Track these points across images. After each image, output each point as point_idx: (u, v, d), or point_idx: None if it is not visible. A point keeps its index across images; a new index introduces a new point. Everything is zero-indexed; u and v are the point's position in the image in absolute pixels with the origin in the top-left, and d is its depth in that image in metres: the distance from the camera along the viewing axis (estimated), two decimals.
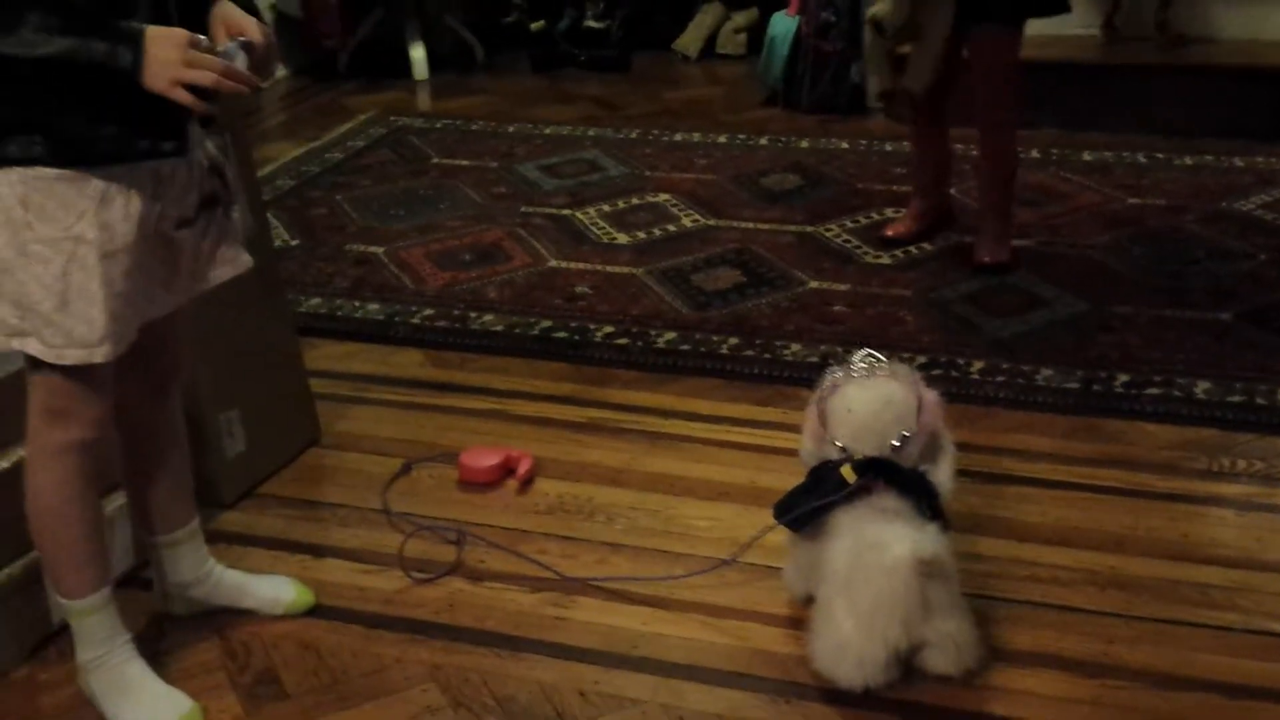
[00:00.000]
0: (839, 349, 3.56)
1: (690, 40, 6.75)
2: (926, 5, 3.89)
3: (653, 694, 2.42)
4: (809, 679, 2.41)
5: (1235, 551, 2.76)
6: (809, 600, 2.49)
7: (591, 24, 6.71)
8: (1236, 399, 3.30)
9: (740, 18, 6.70)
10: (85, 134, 2.05)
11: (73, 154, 2.05)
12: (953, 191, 4.43)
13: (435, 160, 5.35)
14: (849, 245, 4.33)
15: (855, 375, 2.50)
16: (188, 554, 2.58)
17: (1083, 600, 2.62)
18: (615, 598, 2.68)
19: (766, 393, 3.44)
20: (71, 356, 2.12)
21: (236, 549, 2.85)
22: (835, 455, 2.45)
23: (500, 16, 7.00)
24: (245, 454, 3.05)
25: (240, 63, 2.05)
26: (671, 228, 4.54)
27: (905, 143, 4.70)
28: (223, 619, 2.63)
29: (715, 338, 3.73)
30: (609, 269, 4.23)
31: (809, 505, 2.44)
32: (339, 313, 3.99)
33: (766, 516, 2.56)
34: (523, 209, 4.77)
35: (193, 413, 2.72)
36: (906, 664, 2.36)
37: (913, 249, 4.26)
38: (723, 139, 5.45)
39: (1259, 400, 3.29)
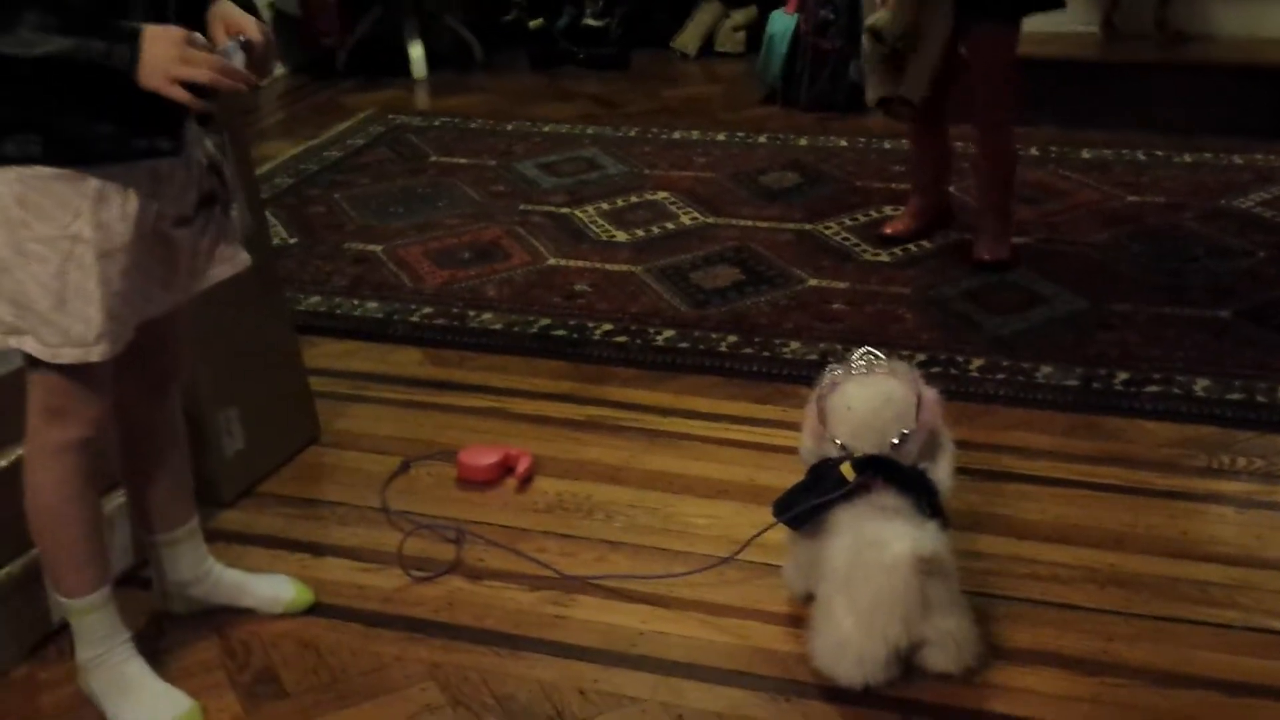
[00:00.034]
0: (838, 347, 3.56)
1: (689, 38, 6.75)
2: (926, 14, 3.89)
3: (652, 692, 2.42)
4: (809, 677, 2.41)
5: (1235, 549, 2.76)
6: (809, 598, 2.49)
7: (590, 22, 6.70)
8: (1236, 396, 3.30)
9: (739, 15, 6.70)
10: (82, 133, 2.05)
11: (70, 153, 2.05)
12: (952, 189, 4.43)
13: (434, 158, 5.34)
14: (848, 243, 4.33)
15: (854, 373, 2.50)
16: (187, 553, 2.58)
17: (1082, 598, 2.62)
18: (614, 596, 2.68)
19: (765, 390, 3.44)
20: (68, 355, 2.12)
21: (235, 548, 2.85)
22: (835, 453, 2.45)
23: (499, 15, 6.99)
24: (244, 452, 3.05)
25: (238, 61, 2.05)
26: (670, 226, 4.54)
27: (904, 140, 4.70)
28: (222, 618, 2.63)
29: (714, 335, 3.73)
30: (608, 267, 4.23)
31: (808, 503, 2.44)
32: (338, 311, 3.99)
33: (766, 514, 2.56)
34: (521, 207, 4.76)
35: (192, 411, 2.72)
36: (906, 662, 2.36)
37: (912, 247, 4.26)
38: (721, 137, 5.45)
39: (1258, 398, 3.29)
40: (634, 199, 4.79)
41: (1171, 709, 2.33)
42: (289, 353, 3.25)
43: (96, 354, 2.12)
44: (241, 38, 2.08)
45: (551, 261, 4.29)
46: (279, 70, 6.55)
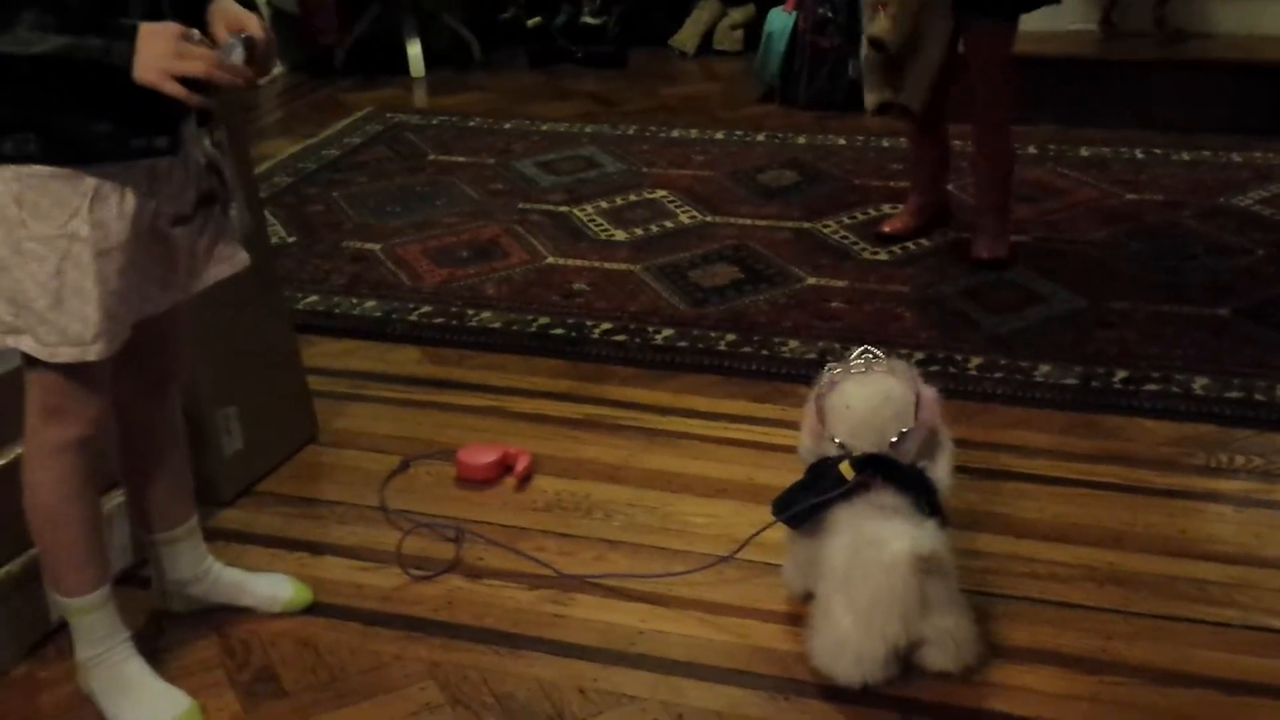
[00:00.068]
0: (837, 345, 3.57)
1: (687, 36, 6.75)
2: (926, 22, 3.87)
3: (652, 691, 2.42)
4: (808, 676, 2.41)
5: (1233, 547, 2.76)
6: (808, 597, 2.49)
7: (588, 20, 6.70)
8: (1234, 395, 3.30)
9: (737, 14, 6.70)
10: (80, 132, 2.05)
11: (67, 152, 2.05)
12: (950, 188, 4.43)
13: (432, 157, 5.34)
14: (846, 241, 4.33)
15: (853, 371, 2.50)
16: (186, 552, 2.58)
17: (1081, 596, 2.62)
18: (613, 595, 2.68)
19: (764, 389, 3.44)
20: (66, 354, 2.12)
21: (234, 546, 2.85)
22: (833, 452, 2.45)
23: (497, 13, 6.99)
24: (243, 451, 3.05)
25: (237, 57, 2.04)
26: (669, 224, 4.54)
27: (902, 139, 4.70)
28: (221, 617, 2.63)
29: (713, 334, 3.73)
30: (606, 266, 4.23)
31: (807, 502, 2.44)
32: (336, 310, 3.99)
33: (765, 513, 2.56)
34: (520, 206, 4.76)
35: (191, 410, 2.72)
36: (905, 660, 2.36)
37: (910, 245, 4.26)
38: (720, 135, 5.45)
39: (1257, 396, 3.29)
40: (632, 197, 4.79)
41: (1170, 707, 2.34)
42: (288, 352, 3.25)
43: (94, 353, 2.12)
44: (245, 35, 2.07)
45: (550, 260, 4.29)
46: (277, 69, 6.54)
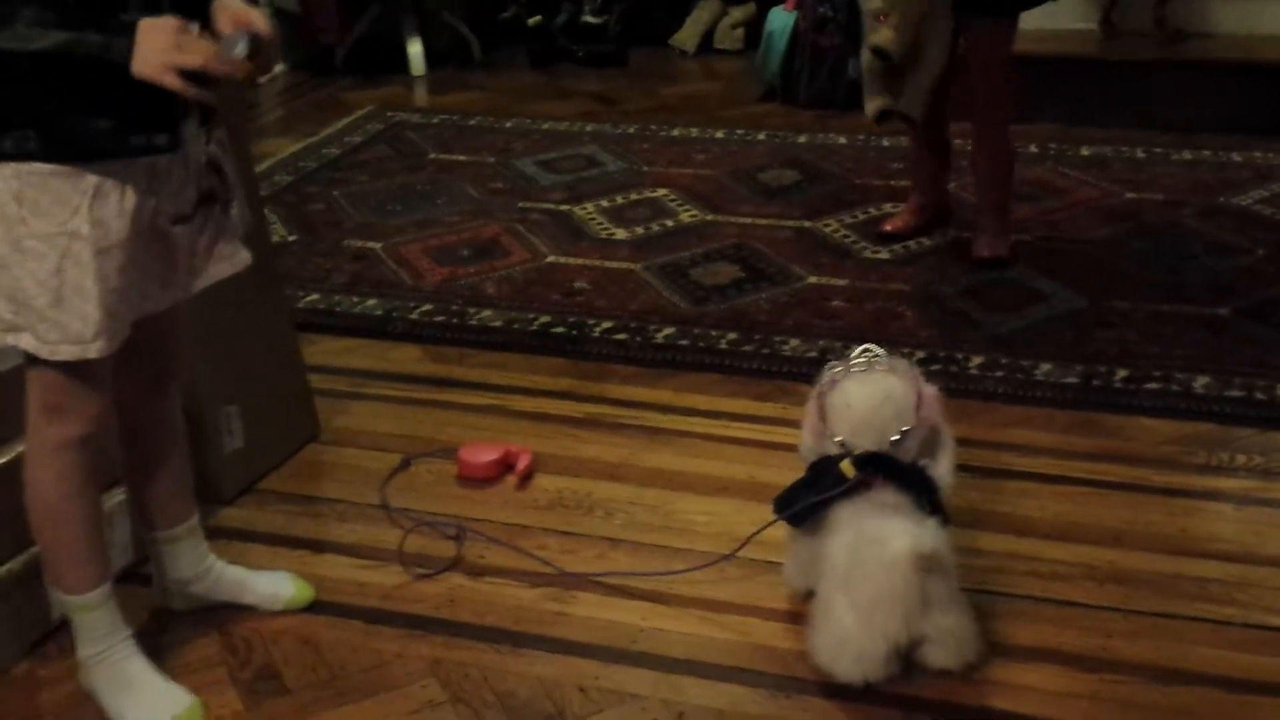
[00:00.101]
0: (838, 344, 3.56)
1: (688, 35, 6.75)
2: (927, 31, 3.87)
3: (653, 689, 2.42)
4: (809, 674, 2.42)
5: (1234, 546, 2.77)
6: (809, 595, 2.49)
7: (589, 19, 6.70)
8: (1235, 394, 3.30)
9: (738, 13, 6.70)
10: (79, 130, 2.04)
11: (66, 149, 2.05)
12: (951, 187, 4.43)
13: (432, 156, 5.34)
14: (847, 240, 4.33)
15: (854, 370, 2.50)
16: (187, 550, 2.58)
17: (1082, 595, 2.63)
18: (615, 593, 2.68)
19: (765, 388, 3.44)
20: (66, 352, 2.12)
21: (236, 545, 2.85)
22: (834, 450, 2.45)
23: (497, 12, 6.99)
24: (244, 450, 3.05)
25: (240, 51, 2.03)
26: (670, 223, 4.54)
27: (903, 138, 4.69)
28: (223, 615, 2.63)
29: (714, 333, 3.73)
30: (607, 264, 4.23)
31: (808, 500, 2.44)
32: (337, 308, 3.99)
33: (766, 511, 2.56)
34: (520, 204, 4.76)
35: (192, 409, 2.72)
36: (906, 659, 2.36)
37: (911, 244, 4.26)
38: (720, 134, 5.45)
39: (1257, 395, 3.29)
40: (633, 196, 4.79)
41: (1171, 705, 2.34)
42: (289, 350, 3.25)
43: (94, 351, 2.12)
44: (250, 30, 2.07)
45: (551, 259, 4.29)
46: (278, 67, 6.54)
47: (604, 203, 4.74)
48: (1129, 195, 4.63)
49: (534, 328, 3.81)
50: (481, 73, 6.58)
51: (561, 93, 6.21)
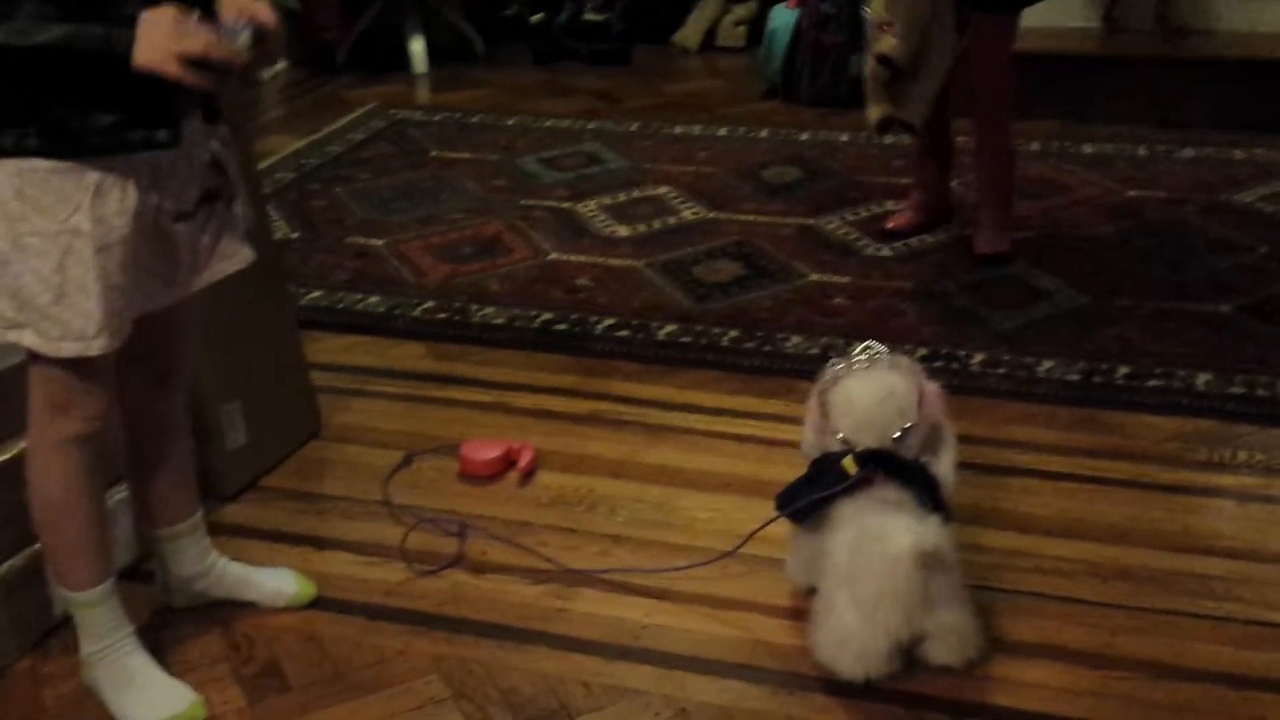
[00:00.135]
0: (840, 341, 3.57)
1: (690, 33, 6.75)
2: (931, 44, 3.86)
3: (655, 685, 2.42)
4: (811, 670, 2.42)
5: (1236, 542, 2.77)
6: (811, 592, 2.49)
7: (591, 17, 6.70)
8: (1237, 391, 3.30)
9: (740, 10, 6.70)
10: (79, 126, 2.04)
11: (67, 146, 2.04)
12: (954, 184, 4.43)
13: (435, 153, 5.34)
14: (849, 238, 4.33)
15: (856, 367, 2.50)
16: (190, 547, 2.58)
17: (1085, 591, 2.63)
18: (617, 589, 2.69)
19: (767, 385, 3.44)
20: (68, 349, 2.12)
21: (238, 541, 2.85)
22: (837, 447, 2.45)
23: (500, 9, 7.00)
24: (247, 446, 3.06)
25: (244, 42, 2.03)
26: (672, 220, 4.54)
27: (905, 136, 4.68)
28: (225, 611, 2.63)
29: (716, 330, 3.73)
30: (609, 262, 4.23)
31: (811, 497, 2.44)
32: (339, 305, 3.99)
33: (768, 508, 2.56)
34: (523, 202, 4.77)
35: (194, 406, 2.71)
36: (908, 655, 2.36)
37: (913, 241, 4.26)
38: (723, 132, 5.45)
39: (1259, 392, 3.29)
40: (635, 194, 4.79)
41: (1174, 702, 2.34)
42: (291, 347, 3.25)
43: (96, 348, 2.12)
44: (254, 21, 2.06)
45: (553, 256, 4.29)
46: (280, 64, 6.55)
47: (606, 200, 4.74)
48: (1131, 192, 4.63)
49: (536, 325, 3.81)
50: (484, 70, 6.58)
51: (564, 90, 6.21)
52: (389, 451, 3.19)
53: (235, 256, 2.37)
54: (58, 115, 2.03)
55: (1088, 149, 5.04)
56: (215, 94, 2.20)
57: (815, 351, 3.55)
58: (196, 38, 1.97)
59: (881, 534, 2.28)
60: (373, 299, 4.02)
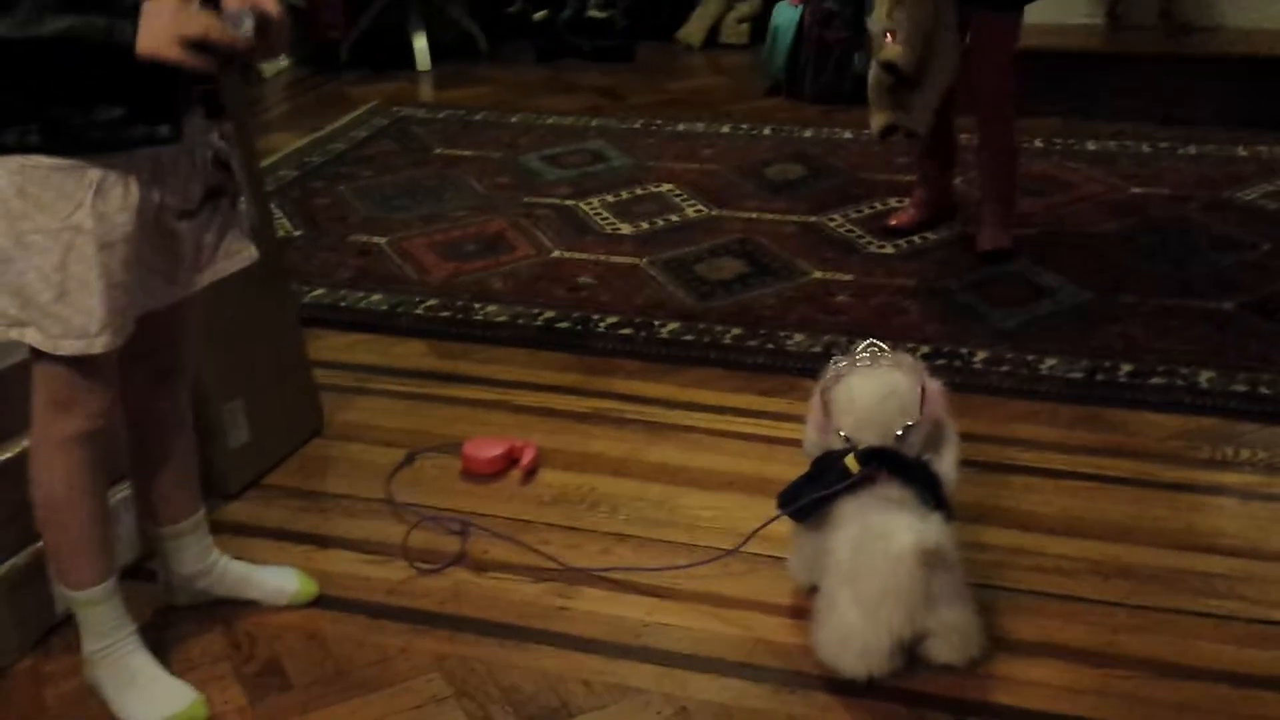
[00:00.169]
0: (842, 339, 3.57)
1: (693, 30, 6.75)
2: (935, 50, 3.85)
3: (657, 683, 2.42)
4: (813, 668, 2.41)
5: (1239, 541, 2.76)
6: (813, 590, 2.49)
7: (594, 14, 6.70)
8: (1240, 388, 3.30)
9: (743, 7, 6.70)
10: (80, 121, 2.03)
11: (67, 142, 2.04)
12: (957, 181, 4.42)
13: (438, 151, 5.34)
14: (852, 235, 4.33)
15: (859, 365, 2.50)
16: (193, 545, 2.58)
17: (1087, 590, 2.62)
18: (619, 588, 2.69)
19: (770, 383, 3.44)
20: (70, 347, 2.12)
21: (240, 540, 2.85)
22: (839, 445, 2.45)
23: (503, 6, 7.00)
24: (249, 445, 3.06)
25: (248, 29, 2.02)
26: (675, 218, 4.54)
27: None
28: (227, 610, 2.63)
29: (719, 328, 3.73)
30: (612, 259, 4.23)
31: (813, 495, 2.44)
32: (342, 303, 3.99)
33: (770, 507, 2.56)
34: (526, 199, 4.76)
35: (197, 404, 2.71)
36: (910, 653, 2.36)
37: (916, 239, 4.26)
38: (726, 129, 5.44)
39: (1262, 390, 3.29)
40: (638, 191, 4.79)
41: (1176, 701, 2.33)
42: (294, 345, 3.25)
43: (99, 345, 2.12)
44: (257, 11, 2.05)
45: (556, 254, 4.29)
46: (283, 62, 6.55)
47: (609, 198, 4.74)
48: (1134, 190, 4.62)
49: (539, 323, 3.81)
50: (487, 67, 6.58)
51: (567, 87, 6.21)
52: (391, 450, 3.19)
53: (239, 255, 2.37)
54: (59, 111, 2.03)
55: (1091, 146, 5.03)
56: (217, 90, 2.20)
57: (818, 349, 3.55)
58: (197, 20, 1.96)
59: (884, 532, 2.28)
60: (375, 297, 4.02)
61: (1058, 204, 4.51)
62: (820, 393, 2.52)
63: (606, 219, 4.55)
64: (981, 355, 3.52)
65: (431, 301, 3.97)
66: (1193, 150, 4.95)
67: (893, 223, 4.32)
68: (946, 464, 2.46)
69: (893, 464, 2.40)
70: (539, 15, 6.81)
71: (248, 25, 2.03)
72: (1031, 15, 3.97)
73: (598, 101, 5.96)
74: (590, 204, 4.69)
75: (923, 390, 2.45)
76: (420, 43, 6.56)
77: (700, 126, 5.49)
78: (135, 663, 2.38)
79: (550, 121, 5.65)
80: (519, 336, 3.75)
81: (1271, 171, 4.71)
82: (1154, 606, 2.57)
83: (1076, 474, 3.00)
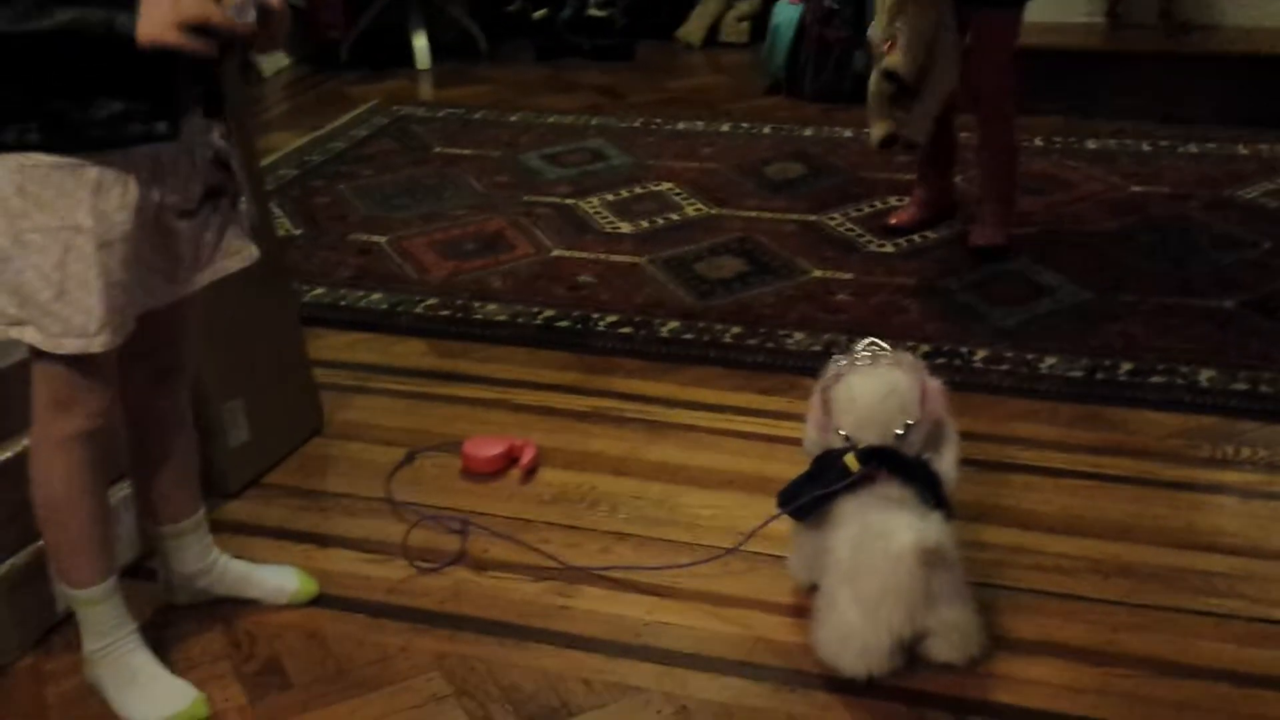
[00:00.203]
0: (842, 338, 3.57)
1: (693, 29, 6.74)
2: (936, 57, 3.85)
3: (657, 682, 2.42)
4: (813, 667, 2.41)
5: (1239, 539, 2.76)
6: (813, 589, 2.49)
7: (594, 12, 6.70)
8: (1240, 387, 3.30)
9: (743, 6, 6.69)
10: (79, 119, 2.03)
11: (67, 140, 2.04)
12: (957, 180, 4.42)
13: (438, 149, 5.34)
14: (852, 234, 4.33)
15: (859, 364, 2.50)
16: (193, 544, 2.58)
17: (1087, 588, 2.62)
18: (619, 587, 2.69)
19: (770, 382, 3.44)
20: (70, 346, 2.12)
21: (240, 539, 2.85)
22: (839, 444, 2.45)
23: (503, 5, 7.00)
24: (249, 444, 3.06)
25: (250, 17, 2.02)
26: (675, 217, 4.54)
27: None
28: (227, 609, 2.63)
29: (719, 327, 3.73)
30: (612, 258, 4.23)
31: (813, 494, 2.44)
32: (342, 302, 3.99)
33: (770, 505, 2.56)
34: (525, 198, 4.76)
35: (197, 403, 2.71)
36: (910, 652, 2.36)
37: (916, 237, 4.26)
38: (726, 128, 5.44)
39: (1263, 388, 3.29)
40: (638, 190, 4.79)
41: (1176, 699, 2.33)
42: (294, 344, 3.25)
43: (98, 344, 2.12)
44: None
45: (556, 253, 4.29)
46: (283, 61, 6.55)
47: (609, 196, 4.74)
48: (1135, 188, 4.62)
49: (539, 321, 3.81)
50: (487, 66, 6.58)
51: (567, 86, 6.21)
52: (391, 449, 3.19)
53: (240, 254, 2.37)
54: (58, 108, 2.03)
55: (1091, 145, 5.03)
56: (218, 87, 2.20)
57: (818, 348, 3.55)
58: (197, 3, 1.96)
59: (884, 531, 2.28)
60: (375, 296, 4.02)
61: (1058, 203, 4.51)
62: (820, 391, 2.52)
63: (606, 218, 4.55)
64: (981, 354, 3.52)
65: (431, 300, 3.97)
66: (1193, 148, 4.95)
67: (893, 221, 4.32)
68: (946, 463, 2.46)
69: (893, 463, 2.40)
70: (539, 14, 6.81)
71: (250, 15, 2.02)
72: (1031, 13, 3.97)
73: (597, 100, 5.95)
74: (590, 203, 4.68)
75: (923, 389, 2.46)
76: (420, 42, 6.56)
77: (700, 125, 5.49)
78: (136, 661, 2.39)
79: (550, 120, 5.65)
80: (519, 335, 3.75)
81: (1272, 170, 4.70)
82: (1154, 605, 2.57)
83: (1076, 473, 3.00)
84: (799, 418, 2.63)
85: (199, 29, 1.96)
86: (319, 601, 2.66)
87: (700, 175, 4.90)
